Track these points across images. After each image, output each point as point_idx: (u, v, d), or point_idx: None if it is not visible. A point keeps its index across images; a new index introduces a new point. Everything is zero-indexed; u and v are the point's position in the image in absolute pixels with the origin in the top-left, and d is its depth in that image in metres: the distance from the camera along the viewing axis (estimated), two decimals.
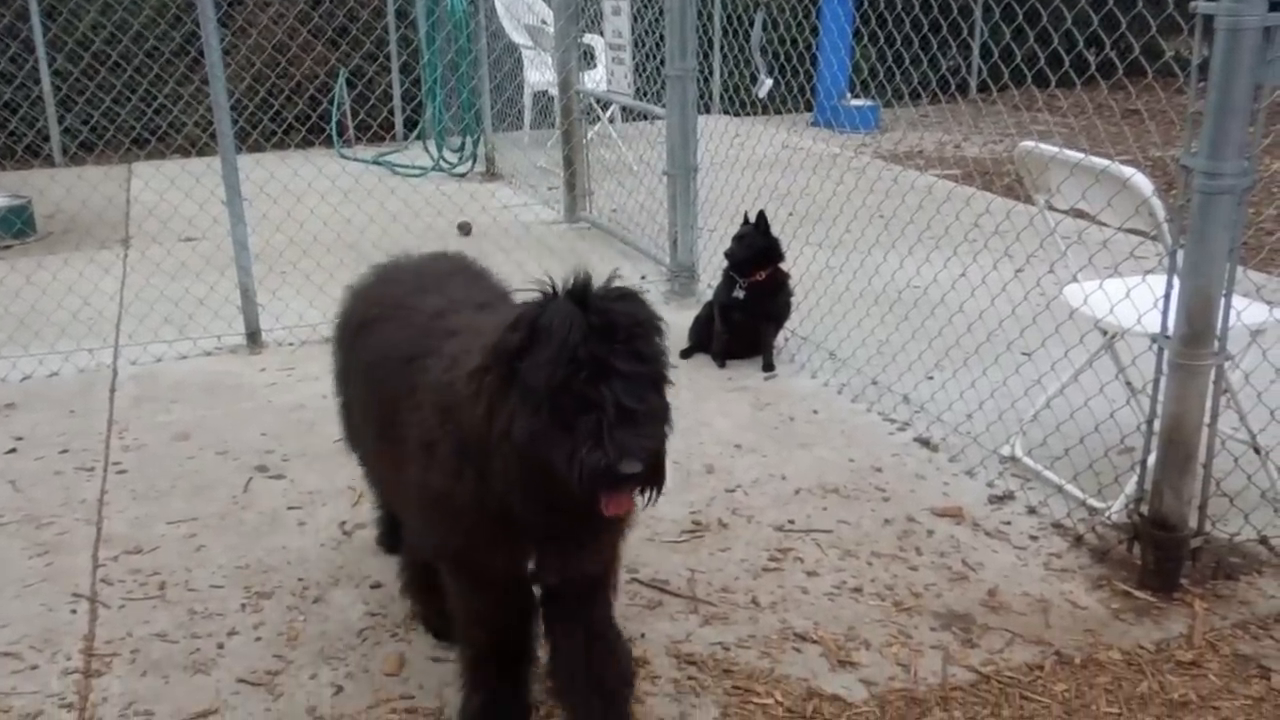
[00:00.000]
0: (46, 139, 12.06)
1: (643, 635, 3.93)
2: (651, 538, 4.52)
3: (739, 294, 6.29)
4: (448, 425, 2.98)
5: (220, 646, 3.93)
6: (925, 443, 5.36)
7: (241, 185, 6.65)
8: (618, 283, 2.81)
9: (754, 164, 8.58)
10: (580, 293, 2.73)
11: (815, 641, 3.89)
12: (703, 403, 5.78)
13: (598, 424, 2.59)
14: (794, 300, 6.51)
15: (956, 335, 6.03)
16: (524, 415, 2.67)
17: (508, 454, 2.74)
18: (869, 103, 13.36)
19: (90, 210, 9.46)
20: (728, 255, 6.34)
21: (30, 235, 9.28)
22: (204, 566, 4.43)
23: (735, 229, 6.44)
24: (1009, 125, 11.97)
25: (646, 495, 2.75)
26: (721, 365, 6.37)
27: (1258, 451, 4.69)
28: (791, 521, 4.67)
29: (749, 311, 6.31)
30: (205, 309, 7.21)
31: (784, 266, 6.41)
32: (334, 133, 12.18)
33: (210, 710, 3.59)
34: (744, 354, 6.42)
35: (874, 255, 7.29)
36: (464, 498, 2.94)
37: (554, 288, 2.77)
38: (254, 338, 6.78)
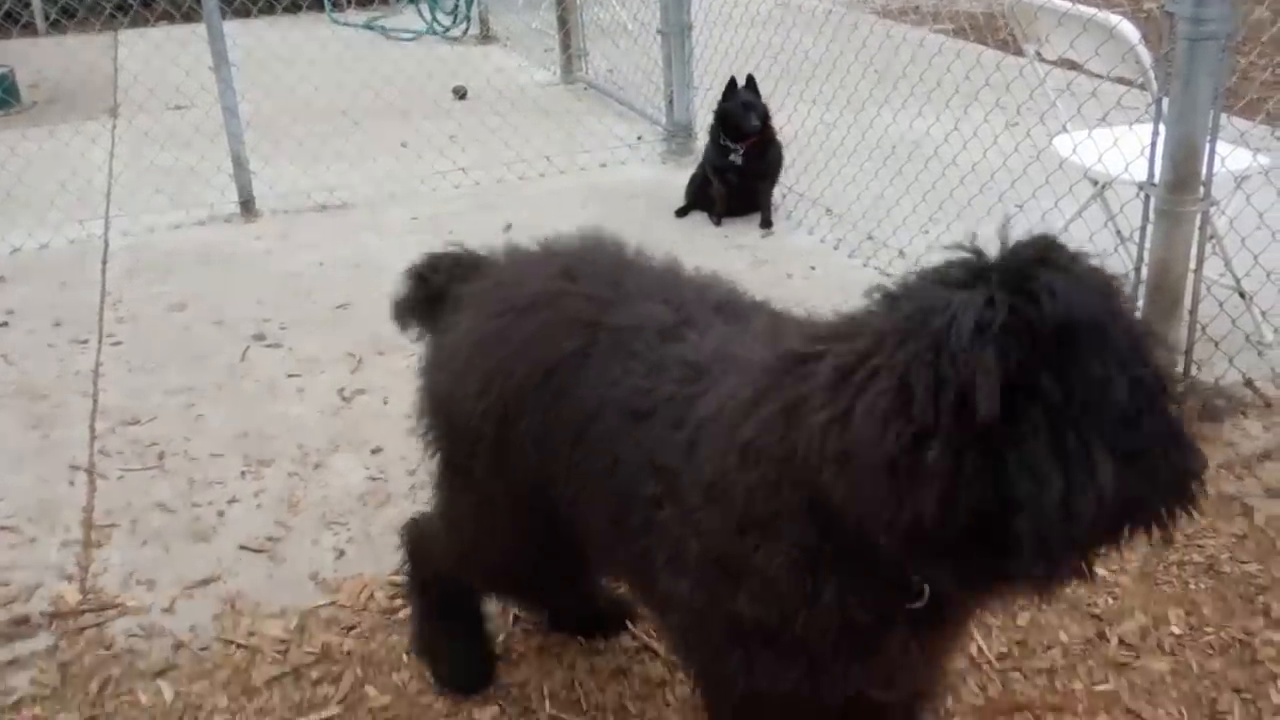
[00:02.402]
0: (27, 5, 11.78)
1: None
2: None
3: (736, 159, 6.28)
4: (777, 535, 2.07)
5: (221, 515, 3.98)
6: None
7: (229, 52, 6.59)
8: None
9: (748, 21, 8.47)
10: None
11: None
12: (701, 262, 5.79)
13: (1169, 424, 1.80)
14: (788, 155, 6.53)
15: (950, 188, 6.02)
16: (1102, 460, 1.69)
17: (1078, 533, 1.72)
18: None
19: (74, 79, 9.38)
20: (737, 124, 6.31)
21: (13, 106, 9.20)
22: (203, 436, 4.47)
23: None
24: None
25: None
26: (718, 223, 6.38)
27: (1242, 296, 4.74)
28: None
29: (746, 173, 6.33)
30: (197, 178, 7.18)
31: (774, 123, 6.43)
32: None
33: (212, 577, 3.65)
34: (741, 211, 6.43)
35: (869, 111, 7.25)
36: (813, 624, 2.09)
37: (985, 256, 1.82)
38: (248, 206, 6.76)
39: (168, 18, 11.75)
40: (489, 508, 2.72)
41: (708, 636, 2.27)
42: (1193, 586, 3.46)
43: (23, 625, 3.46)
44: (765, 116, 6.34)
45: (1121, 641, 3.26)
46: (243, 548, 3.80)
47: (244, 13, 11.02)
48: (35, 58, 9.62)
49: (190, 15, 11.23)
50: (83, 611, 3.50)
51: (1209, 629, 3.30)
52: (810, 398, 1.91)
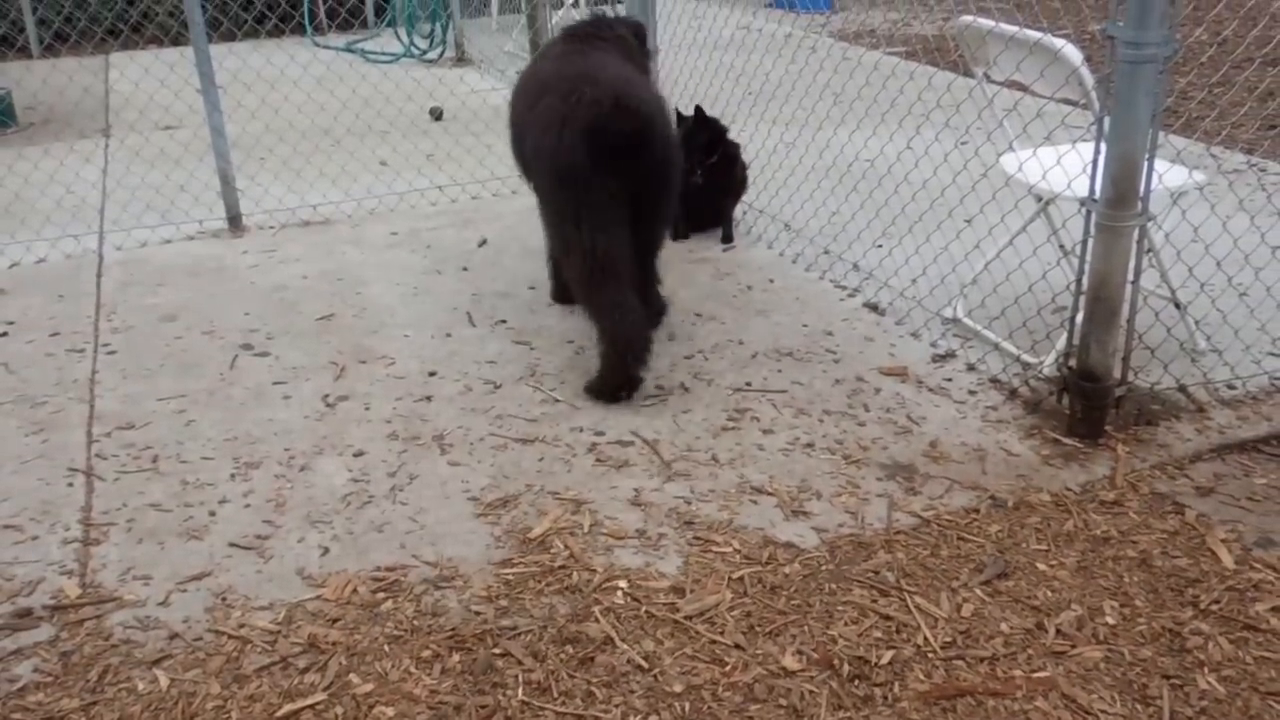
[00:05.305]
0: (21, 30, 11.83)
1: (614, 487, 4.07)
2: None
3: (698, 179, 6.27)
4: None
5: (212, 514, 4.01)
6: (873, 307, 5.47)
7: (215, 74, 6.62)
8: None
9: (710, 45, 8.56)
10: None
11: (770, 494, 4.01)
12: (665, 274, 5.86)
13: None
14: (750, 172, 6.57)
15: (902, 205, 6.11)
16: None
17: None
18: None
19: (68, 100, 9.38)
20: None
21: (10, 126, 9.18)
22: (194, 440, 4.50)
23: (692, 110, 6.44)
24: (953, 2, 11.93)
25: None
26: (685, 237, 6.43)
27: (1178, 306, 4.83)
28: (749, 384, 4.78)
29: (709, 189, 6.34)
30: (186, 195, 7.21)
31: (733, 138, 6.44)
32: (306, 20, 12.06)
33: (205, 573, 3.69)
34: (705, 226, 6.48)
35: (825, 130, 7.34)
36: None
37: None
38: (235, 222, 6.79)
39: (156, 42, 11.77)
40: None
41: None
42: (1126, 580, 3.54)
43: (26, 617, 3.49)
44: (720, 136, 6.33)
45: (1059, 631, 3.33)
46: (233, 545, 3.83)
47: (229, 36, 11.09)
48: (29, 80, 9.61)
49: (178, 39, 11.29)
50: (83, 604, 3.54)
51: (1141, 619, 3.38)
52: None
